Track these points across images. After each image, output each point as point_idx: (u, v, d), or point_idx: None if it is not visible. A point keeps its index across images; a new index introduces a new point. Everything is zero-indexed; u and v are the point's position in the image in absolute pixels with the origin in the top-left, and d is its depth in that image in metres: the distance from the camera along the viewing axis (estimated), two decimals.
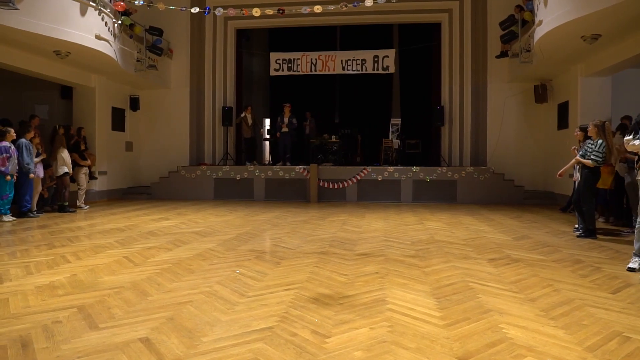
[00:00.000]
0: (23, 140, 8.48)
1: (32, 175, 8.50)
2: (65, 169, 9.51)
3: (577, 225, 7.06)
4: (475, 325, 3.07)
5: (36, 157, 8.74)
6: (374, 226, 7.75)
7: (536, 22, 9.06)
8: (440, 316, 3.25)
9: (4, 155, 7.97)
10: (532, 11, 9.90)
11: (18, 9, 7.30)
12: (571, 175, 9.76)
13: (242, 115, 13.23)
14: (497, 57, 12.32)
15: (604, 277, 4.36)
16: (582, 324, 3.10)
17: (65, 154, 9.50)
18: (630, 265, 4.62)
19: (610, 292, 3.86)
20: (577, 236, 6.68)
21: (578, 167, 6.92)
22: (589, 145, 6.55)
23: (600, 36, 8.15)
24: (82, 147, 10.30)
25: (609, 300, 3.64)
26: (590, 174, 6.55)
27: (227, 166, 12.91)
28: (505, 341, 2.81)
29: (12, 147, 8.15)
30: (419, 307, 3.46)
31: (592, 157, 6.41)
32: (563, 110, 11.29)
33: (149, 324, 3.05)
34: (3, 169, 7.92)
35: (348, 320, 3.15)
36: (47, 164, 9.42)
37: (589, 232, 6.59)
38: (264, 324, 3.07)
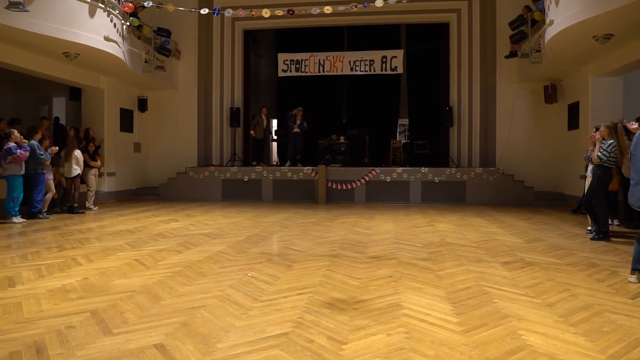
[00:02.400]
0: (33, 141, 8.49)
1: (54, 149, 8.73)
2: (78, 170, 9.54)
3: (589, 228, 6.98)
4: (493, 332, 3.02)
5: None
6: (384, 228, 7.70)
7: (547, 22, 8.98)
8: (457, 322, 3.20)
9: (20, 151, 8.02)
10: (542, 11, 9.81)
11: (28, 11, 7.32)
12: (582, 177, 9.68)
13: (257, 124, 13.31)
14: (507, 57, 12.23)
15: (621, 282, 4.28)
16: (603, 331, 3.04)
17: (78, 154, 9.53)
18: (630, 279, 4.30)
19: (630, 298, 3.79)
20: (591, 239, 6.60)
21: (591, 167, 6.85)
22: (601, 146, 6.48)
23: (613, 36, 8.05)
24: (92, 149, 10.31)
25: (629, 305, 3.57)
26: (603, 175, 6.47)
27: (235, 167, 12.90)
28: (525, 348, 2.75)
29: (19, 148, 8.14)
30: (435, 312, 3.41)
31: (598, 153, 6.37)
32: (573, 111, 11.17)
33: (163, 330, 3.02)
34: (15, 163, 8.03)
35: (364, 326, 3.11)
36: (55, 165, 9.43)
37: (602, 234, 6.51)
38: (279, 329, 3.04)
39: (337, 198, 12.22)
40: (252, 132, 13.48)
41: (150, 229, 7.53)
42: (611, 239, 6.49)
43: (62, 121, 12.65)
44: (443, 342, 2.85)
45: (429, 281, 4.29)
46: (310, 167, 12.40)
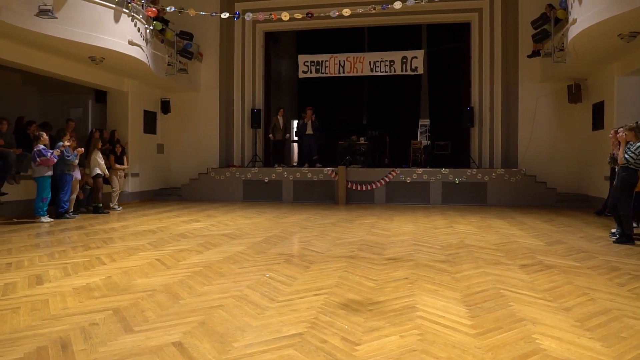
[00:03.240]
0: (61, 143, 8.76)
1: (80, 150, 9.00)
2: (98, 171, 9.76)
3: (613, 230, 6.86)
4: (507, 335, 3.02)
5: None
6: (403, 229, 7.70)
7: (570, 20, 8.84)
8: (471, 325, 3.21)
9: (49, 155, 8.30)
10: (565, 9, 9.65)
11: (56, 18, 7.57)
12: (606, 178, 9.50)
13: (275, 126, 13.50)
14: (529, 56, 12.06)
15: None
16: (620, 337, 3.00)
17: (98, 157, 9.77)
18: None
19: None
20: (614, 242, 6.48)
21: (617, 169, 6.72)
22: (628, 148, 6.35)
23: (639, 34, 7.89)
24: (120, 150, 10.56)
25: None
26: (628, 177, 6.34)
27: (256, 168, 13.05)
28: (539, 352, 2.75)
29: (50, 151, 8.41)
30: (450, 314, 3.42)
31: (625, 155, 6.25)
32: (598, 111, 10.97)
33: (182, 328, 3.11)
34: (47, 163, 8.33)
35: (378, 328, 3.14)
36: (81, 164, 9.67)
37: (626, 237, 6.38)
38: (294, 329, 3.10)
39: (357, 199, 12.25)
40: (270, 135, 13.62)
41: (172, 229, 7.70)
42: (635, 242, 6.36)
43: (88, 123, 12.97)
44: (456, 344, 2.87)
45: (445, 283, 4.29)
46: (330, 168, 12.46)
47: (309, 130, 13.33)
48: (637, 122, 6.38)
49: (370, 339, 2.95)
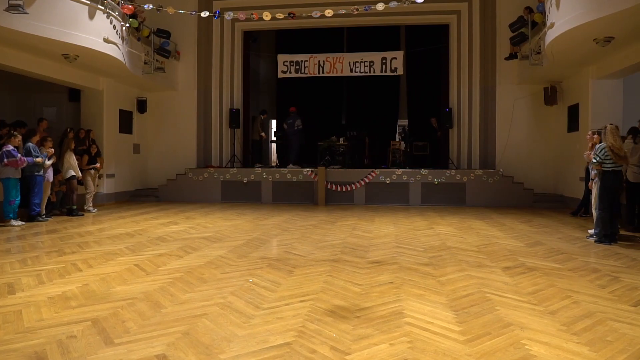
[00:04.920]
0: (30, 144, 8.46)
1: (50, 151, 8.75)
2: (72, 172, 9.47)
3: (590, 231, 6.99)
4: (496, 341, 3.01)
5: (48, 160, 8.69)
6: (384, 231, 7.69)
7: (547, 24, 8.97)
8: (460, 331, 3.19)
9: (20, 157, 8.00)
10: (543, 13, 9.80)
11: (27, 13, 7.28)
12: (581, 179, 9.69)
13: (262, 125, 13.54)
14: (507, 59, 12.22)
15: (623, 288, 4.27)
16: (607, 340, 3.03)
17: (72, 158, 9.47)
18: None
19: (632, 305, 3.78)
20: (595, 241, 6.61)
21: (594, 172, 6.87)
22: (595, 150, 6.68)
23: (613, 39, 8.06)
24: (95, 150, 10.27)
25: (632, 313, 3.56)
26: (606, 179, 6.51)
27: (235, 169, 12.88)
28: (529, 359, 2.74)
29: (18, 153, 8.13)
30: (438, 320, 3.40)
31: (594, 159, 6.60)
32: (573, 113, 11.18)
33: (165, 339, 3.00)
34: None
35: (367, 335, 3.09)
36: (57, 169, 9.38)
37: (604, 237, 6.51)
38: (282, 339, 3.02)
39: (337, 200, 12.20)
40: (262, 134, 13.53)
41: (150, 232, 7.51)
42: (612, 243, 6.48)
43: (61, 122, 12.59)
44: (446, 352, 2.84)
45: (430, 287, 4.27)
46: (310, 169, 12.38)
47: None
48: (605, 127, 6.59)
49: (359, 347, 2.90)
